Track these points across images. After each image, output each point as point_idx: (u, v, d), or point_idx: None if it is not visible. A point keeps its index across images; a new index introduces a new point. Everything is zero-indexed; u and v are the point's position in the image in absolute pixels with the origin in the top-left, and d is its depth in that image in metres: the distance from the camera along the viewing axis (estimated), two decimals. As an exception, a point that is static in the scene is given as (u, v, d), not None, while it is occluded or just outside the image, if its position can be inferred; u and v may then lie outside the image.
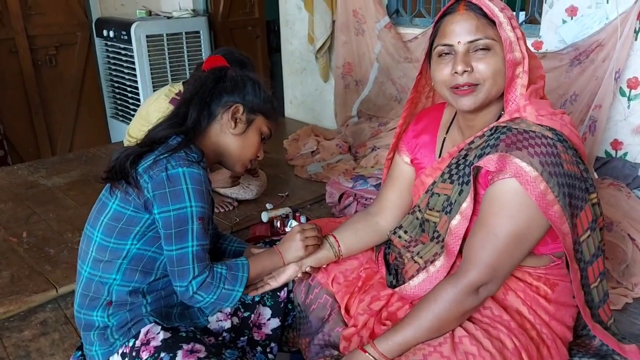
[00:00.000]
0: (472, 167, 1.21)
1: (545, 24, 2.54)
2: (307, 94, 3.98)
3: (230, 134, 1.41)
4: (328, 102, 3.75)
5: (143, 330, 1.29)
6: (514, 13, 2.71)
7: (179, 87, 2.45)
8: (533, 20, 2.68)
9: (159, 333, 1.27)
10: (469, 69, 1.19)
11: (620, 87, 2.35)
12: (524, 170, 1.11)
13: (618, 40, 2.23)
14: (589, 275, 1.27)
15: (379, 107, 3.31)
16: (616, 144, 2.43)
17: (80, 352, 1.41)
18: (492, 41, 1.19)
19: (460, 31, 1.20)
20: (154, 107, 2.39)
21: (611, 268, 1.88)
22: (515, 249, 1.17)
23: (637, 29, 2.25)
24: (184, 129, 1.37)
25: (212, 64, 1.49)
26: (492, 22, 1.19)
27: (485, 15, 1.19)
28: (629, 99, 2.35)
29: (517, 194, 1.13)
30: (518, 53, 1.18)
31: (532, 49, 2.56)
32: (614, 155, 2.45)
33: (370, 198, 2.30)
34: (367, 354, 1.21)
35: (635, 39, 2.26)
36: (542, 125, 1.17)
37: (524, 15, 2.72)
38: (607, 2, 2.29)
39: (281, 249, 1.44)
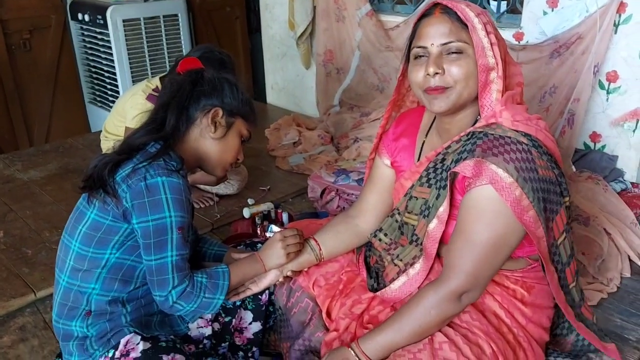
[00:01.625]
0: (449, 173, 1.22)
1: (526, 15, 2.53)
2: (289, 80, 3.94)
3: (210, 138, 1.39)
4: (309, 88, 3.72)
5: (122, 341, 1.28)
6: (496, 3, 2.72)
7: (156, 82, 2.39)
8: (515, 10, 2.67)
9: (138, 344, 1.26)
10: (440, 71, 1.21)
11: (600, 80, 2.36)
12: (499, 177, 1.13)
13: (597, 34, 2.23)
14: (567, 276, 1.30)
15: (361, 96, 3.29)
16: (595, 137, 2.46)
17: None
18: (464, 44, 1.20)
19: (434, 34, 1.22)
20: (131, 103, 2.34)
21: (587, 263, 1.91)
22: (495, 255, 1.19)
23: (616, 22, 2.25)
24: (163, 134, 1.34)
25: (186, 66, 1.45)
26: (466, 27, 1.20)
27: (460, 19, 1.20)
28: (608, 92, 2.36)
29: (493, 200, 1.15)
30: (491, 59, 1.19)
31: (513, 40, 2.56)
32: (592, 147, 2.48)
33: (353, 194, 2.30)
34: (351, 350, 1.23)
35: (615, 33, 2.27)
36: (517, 131, 1.19)
37: (505, 5, 2.71)
38: (588, -5, 2.29)
39: (262, 255, 1.43)
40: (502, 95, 1.20)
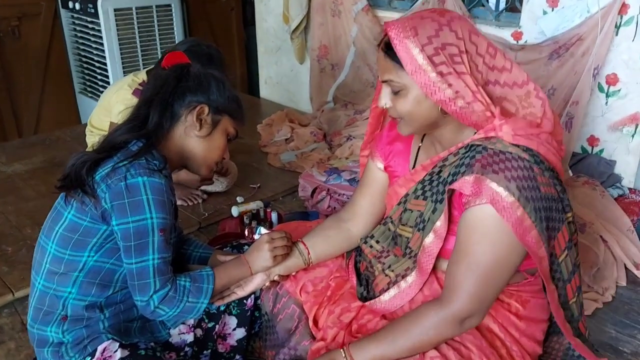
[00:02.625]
0: (447, 189, 1.17)
1: (526, 14, 2.48)
2: (283, 74, 3.87)
3: (195, 136, 1.34)
4: (304, 83, 3.66)
5: (100, 348, 1.23)
6: (494, 0, 2.66)
7: (142, 76, 2.32)
8: (513, 9, 2.61)
9: (116, 351, 1.23)
10: (388, 105, 1.21)
11: (599, 83, 2.31)
12: (500, 196, 1.08)
13: (598, 35, 2.18)
14: (567, 292, 1.26)
15: (355, 93, 3.23)
16: (592, 140, 2.41)
17: (36, 365, 1.35)
18: (401, 84, 1.15)
19: (379, 68, 1.21)
20: (116, 97, 2.27)
21: (582, 272, 1.85)
22: (499, 277, 1.15)
23: (618, 24, 2.20)
24: (145, 132, 1.29)
25: (172, 60, 1.39)
26: None
27: (397, 59, 1.13)
28: (607, 95, 2.32)
29: (494, 221, 1.10)
30: (448, 90, 1.10)
31: (511, 39, 2.51)
32: (589, 151, 2.44)
33: (344, 193, 2.25)
34: (341, 352, 1.20)
35: (616, 34, 2.22)
36: (518, 146, 1.13)
37: (504, 3, 2.65)
38: (589, -5, 2.24)
39: (249, 258, 1.39)
40: (492, 111, 1.13)
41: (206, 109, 1.33)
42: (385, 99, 1.21)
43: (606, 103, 2.33)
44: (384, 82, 1.19)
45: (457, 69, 1.11)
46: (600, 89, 2.33)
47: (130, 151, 1.24)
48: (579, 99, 2.26)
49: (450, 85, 1.10)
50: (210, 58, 1.98)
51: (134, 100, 2.12)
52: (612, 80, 2.28)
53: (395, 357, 1.18)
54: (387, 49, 1.15)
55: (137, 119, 1.31)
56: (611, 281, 1.87)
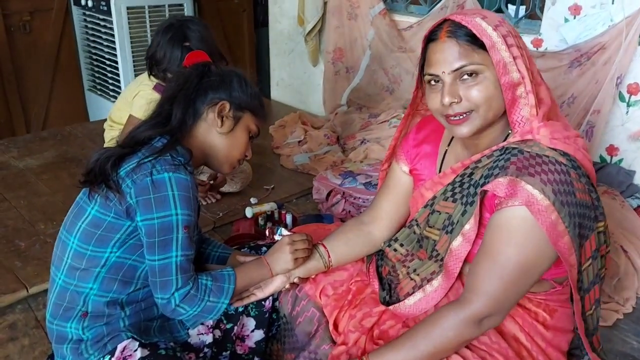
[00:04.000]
0: (479, 191, 1.14)
1: (547, 22, 2.46)
2: (295, 76, 3.86)
3: (217, 133, 1.33)
4: (317, 87, 3.64)
5: (119, 347, 1.21)
6: (514, 7, 2.65)
7: (163, 71, 2.31)
8: (533, 16, 2.60)
9: (136, 350, 1.20)
10: (456, 99, 1.13)
11: (620, 92, 2.29)
12: (535, 199, 1.05)
13: (622, 44, 2.16)
14: (585, 303, 1.23)
15: (370, 96, 3.21)
16: (612, 150, 2.39)
17: (51, 362, 1.33)
18: (479, 66, 1.12)
19: (444, 60, 1.13)
20: (137, 91, 2.25)
21: (603, 282, 1.84)
22: (523, 280, 1.13)
23: (641, 34, 2.19)
24: (169, 129, 1.28)
25: (194, 59, 1.39)
26: (479, 45, 1.11)
27: (469, 40, 1.11)
28: (628, 105, 2.30)
29: (526, 223, 1.07)
30: (515, 74, 1.10)
31: (531, 46, 2.49)
32: (608, 161, 2.41)
33: (359, 197, 2.23)
34: None
35: (639, 44, 2.20)
36: (555, 150, 1.11)
37: (524, 10, 2.64)
38: (613, 3, 2.21)
39: (269, 260, 1.37)
40: (537, 110, 1.12)
41: (227, 106, 1.32)
42: (450, 95, 1.13)
43: (627, 112, 2.31)
44: (453, 71, 1.12)
45: (524, 54, 1.12)
46: (621, 98, 2.30)
47: (155, 147, 1.23)
48: (600, 107, 2.24)
49: (518, 70, 1.10)
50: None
51: (155, 96, 2.12)
52: (634, 89, 2.26)
53: None
54: (453, 34, 1.12)
55: (160, 116, 1.31)
56: (632, 292, 1.84)
